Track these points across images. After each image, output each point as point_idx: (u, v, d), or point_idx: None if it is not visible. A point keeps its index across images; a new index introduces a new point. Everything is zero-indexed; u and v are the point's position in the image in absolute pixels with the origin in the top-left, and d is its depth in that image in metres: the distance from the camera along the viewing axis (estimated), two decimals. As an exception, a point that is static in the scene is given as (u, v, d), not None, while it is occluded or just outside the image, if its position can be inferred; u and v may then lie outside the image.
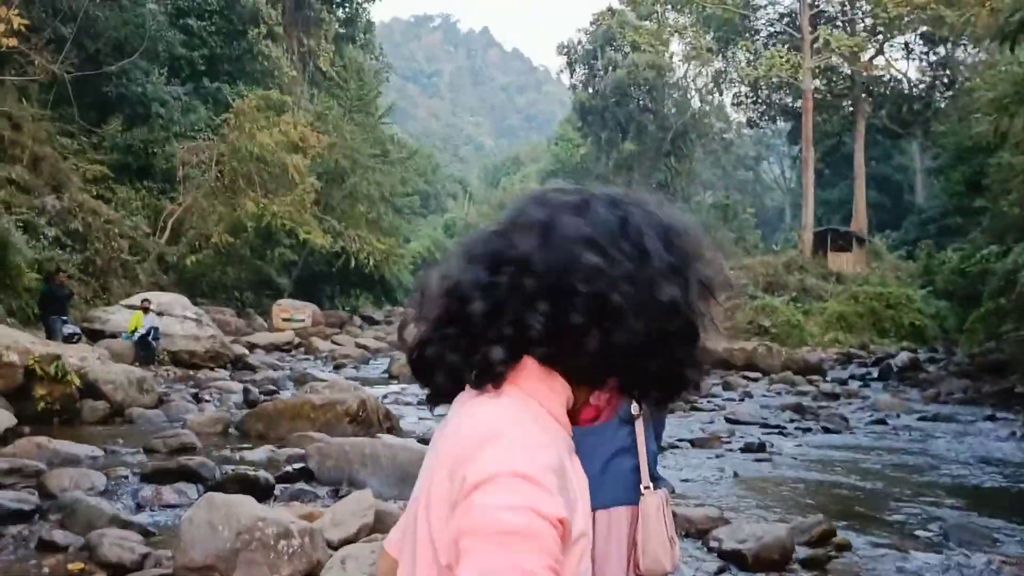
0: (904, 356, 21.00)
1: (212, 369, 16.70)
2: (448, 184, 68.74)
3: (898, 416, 13.84)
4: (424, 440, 9.09)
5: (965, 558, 5.86)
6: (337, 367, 19.31)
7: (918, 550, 6.08)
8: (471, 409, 1.01)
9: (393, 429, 9.94)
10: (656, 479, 2.74)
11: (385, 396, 12.96)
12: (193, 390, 13.52)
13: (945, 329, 26.27)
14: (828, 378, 19.55)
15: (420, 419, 11.56)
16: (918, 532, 6.56)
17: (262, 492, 6.60)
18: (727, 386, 17.21)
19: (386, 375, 17.70)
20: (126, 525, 5.68)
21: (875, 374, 20.11)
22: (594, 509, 2.57)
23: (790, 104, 44.69)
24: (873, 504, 7.59)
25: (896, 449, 10.88)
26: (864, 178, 40.55)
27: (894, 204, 48.06)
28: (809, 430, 12.26)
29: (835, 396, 16.28)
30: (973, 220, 29.62)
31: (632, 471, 2.71)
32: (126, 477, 7.28)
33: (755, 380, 18.64)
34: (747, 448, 10.25)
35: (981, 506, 7.45)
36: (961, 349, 21.03)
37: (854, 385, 18.54)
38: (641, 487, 2.67)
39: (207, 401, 12.64)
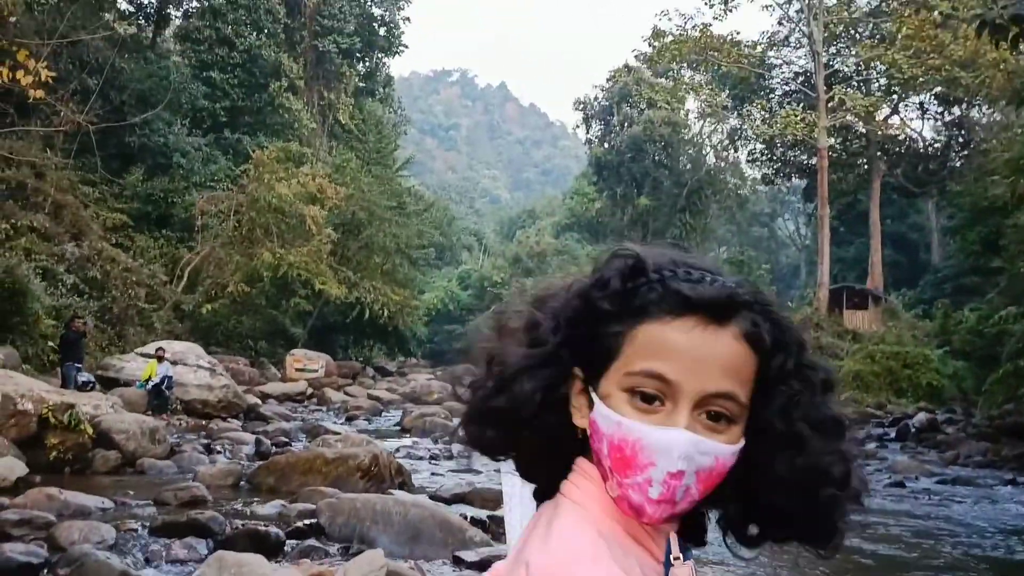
0: (922, 417, 20.75)
1: (224, 419, 16.68)
2: (463, 236, 69.02)
3: (916, 479, 13.63)
4: (436, 497, 9.02)
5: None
6: (349, 419, 19.24)
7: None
8: (556, 521, 0.94)
9: (405, 484, 9.85)
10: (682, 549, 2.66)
11: (397, 450, 12.89)
12: (205, 441, 13.50)
13: (963, 390, 26.00)
14: (845, 439, 19.29)
15: (432, 475, 11.49)
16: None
17: (272, 548, 6.54)
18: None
19: (398, 427, 17.62)
20: (135, 581, 5.64)
21: (892, 435, 19.85)
22: None
23: (805, 162, 44.82)
24: (892, 572, 7.44)
25: (915, 514, 10.69)
26: (880, 236, 40.51)
27: (910, 263, 47.92)
28: (826, 493, 12.07)
29: (852, 457, 16.05)
30: (990, 280, 29.46)
31: None
32: (136, 530, 7.23)
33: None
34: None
35: (1002, 574, 7.29)
36: (980, 411, 20.78)
37: (871, 446, 18.28)
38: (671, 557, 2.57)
39: (219, 452, 12.61)
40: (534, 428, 0.97)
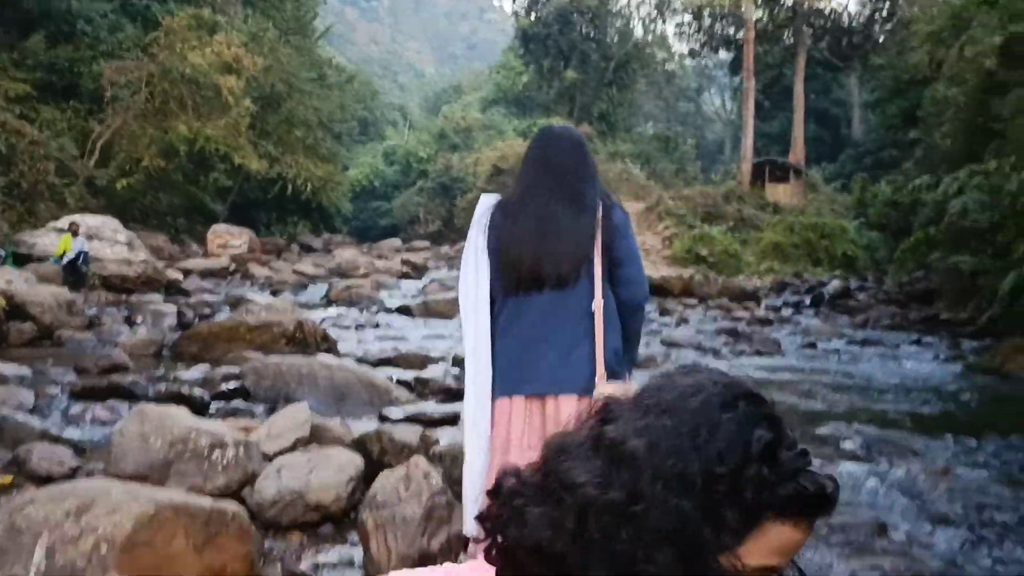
0: (836, 284, 21.50)
1: (145, 294, 16.37)
2: (388, 111, 67.51)
3: (828, 340, 14.20)
4: (362, 361, 9.06)
5: (887, 468, 6.07)
6: (274, 293, 19.05)
7: (843, 460, 6.28)
8: None
9: (331, 351, 9.86)
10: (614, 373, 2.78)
11: (323, 321, 12.85)
12: (125, 314, 13.26)
13: (877, 260, 26.88)
14: (762, 305, 19.94)
15: (359, 343, 11.53)
16: (844, 445, 6.76)
17: (196, 409, 6.49)
18: (664, 312, 17.46)
19: (325, 300, 17.55)
20: (56, 440, 5.58)
21: (808, 301, 20.53)
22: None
23: (732, 35, 44.64)
24: (801, 420, 7.79)
25: (825, 370, 11.17)
26: (803, 111, 40.89)
27: (832, 138, 48.67)
28: (743, 353, 12.52)
29: (769, 322, 16.61)
30: (908, 153, 30.14)
31: (589, 360, 2.73)
32: (55, 396, 7.14)
33: (691, 307, 18.92)
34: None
35: (904, 423, 7.70)
36: (891, 278, 21.56)
37: (787, 312, 18.92)
38: (596, 378, 2.71)
39: (140, 324, 12.42)
40: None
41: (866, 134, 45.34)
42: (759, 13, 39.97)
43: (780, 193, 36.86)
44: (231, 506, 2.80)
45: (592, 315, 2.73)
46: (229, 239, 26.20)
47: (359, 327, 13.14)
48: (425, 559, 3.59)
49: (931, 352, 13.09)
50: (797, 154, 39.87)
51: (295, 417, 5.37)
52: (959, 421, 7.87)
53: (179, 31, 26.35)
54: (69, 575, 2.42)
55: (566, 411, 2.63)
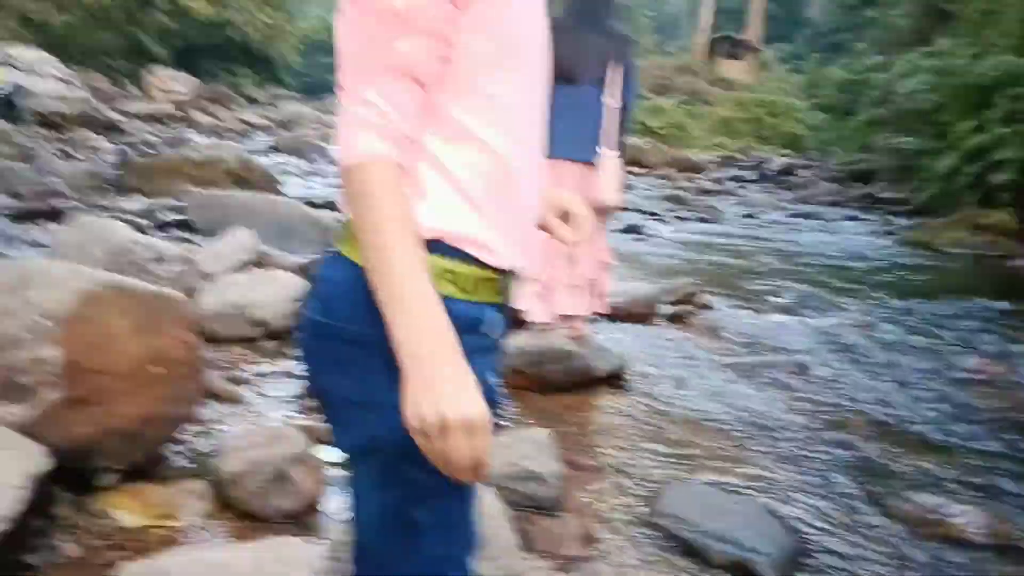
0: (781, 161, 21.71)
1: (83, 133, 15.88)
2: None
3: (768, 212, 14.48)
4: (308, 202, 9.01)
5: (815, 320, 6.34)
6: (219, 138, 18.63)
7: (772, 312, 6.54)
8: None
9: (277, 192, 9.77)
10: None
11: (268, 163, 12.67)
12: (63, 148, 12.90)
13: (824, 141, 27.05)
14: (708, 177, 20.11)
15: (306, 188, 11.44)
16: (776, 300, 7.02)
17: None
18: (611, 178, 17.50)
19: (271, 148, 17.23)
20: (-7, 256, 5.54)
21: (752, 176, 20.77)
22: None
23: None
24: (737, 277, 8.04)
25: (763, 238, 11.44)
26: (763, -13, 40.34)
27: (789, 17, 48.17)
28: (685, 219, 12.73)
29: (712, 192, 16.82)
30: (863, 35, 30.03)
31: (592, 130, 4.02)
32: (-9, 219, 7.02)
33: (638, 175, 19.01)
34: (625, 230, 10.59)
35: (833, 285, 7.98)
36: (837, 157, 21.81)
37: (731, 185, 19.14)
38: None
39: (80, 160, 12.11)
40: None
41: (824, 15, 44.93)
42: None
43: (734, 70, 36.67)
44: (174, 293, 2.85)
45: None
46: (172, 84, 25.34)
47: (306, 174, 13.01)
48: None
49: (866, 227, 13.46)
50: (754, 32, 39.51)
51: (240, 242, 5.39)
52: (885, 285, 8.18)
53: None
54: (7, 346, 2.45)
55: None
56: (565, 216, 1.33)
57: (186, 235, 7.06)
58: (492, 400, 1.04)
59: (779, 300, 6.98)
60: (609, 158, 4.12)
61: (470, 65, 1.01)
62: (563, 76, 3.69)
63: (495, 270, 1.07)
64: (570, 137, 3.94)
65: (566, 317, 4.42)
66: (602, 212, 4.18)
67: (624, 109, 4.22)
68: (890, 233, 12.81)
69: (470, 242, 1.04)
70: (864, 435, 3.91)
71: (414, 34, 0.96)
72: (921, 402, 4.50)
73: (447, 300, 0.98)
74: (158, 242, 4.83)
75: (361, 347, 1.03)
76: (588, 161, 4.12)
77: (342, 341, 1.05)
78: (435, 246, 1.02)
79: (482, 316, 1.06)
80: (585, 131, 4.10)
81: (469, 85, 1.02)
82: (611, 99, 4.17)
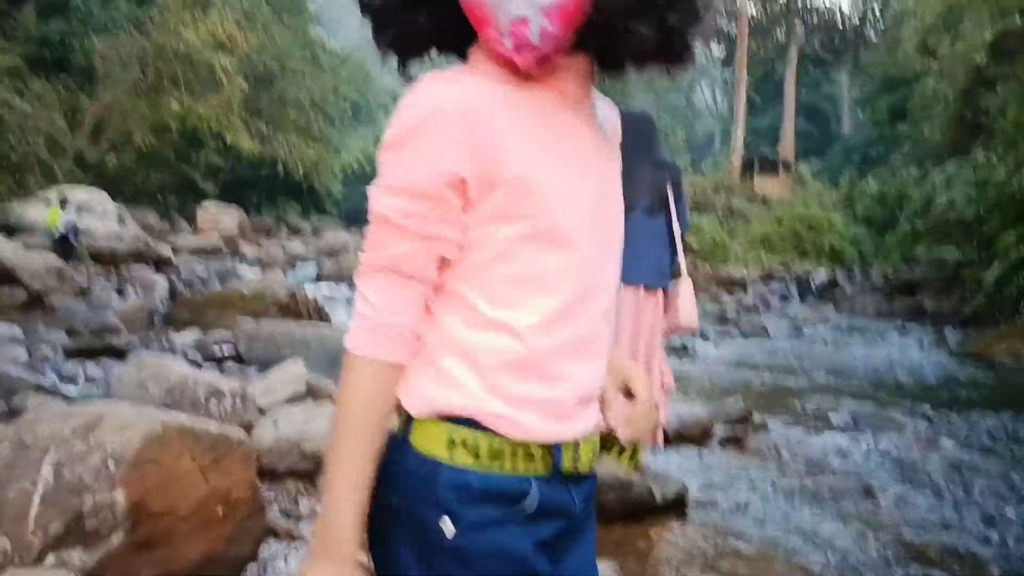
0: (823, 275, 21.62)
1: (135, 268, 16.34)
2: (380, 96, 67.19)
3: (815, 327, 14.33)
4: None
5: (874, 438, 6.18)
6: (266, 268, 19.07)
7: (830, 431, 6.39)
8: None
9: (324, 321, 9.90)
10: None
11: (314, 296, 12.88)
12: (116, 284, 13.26)
13: (863, 253, 26.98)
14: (749, 293, 20.03)
15: (349, 317, 11.54)
16: (831, 419, 6.86)
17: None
18: (653, 298, 17.51)
19: (315, 278, 17.57)
20: (50, 393, 5.61)
21: (794, 291, 20.66)
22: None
23: (725, 28, 44.64)
24: (789, 396, 7.90)
25: (812, 354, 11.28)
26: (794, 106, 40.99)
27: (821, 133, 48.75)
28: (730, 336, 12.63)
29: (756, 309, 16.73)
30: (896, 148, 30.29)
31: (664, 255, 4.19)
32: (48, 356, 7.16)
33: (680, 294, 18.99)
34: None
35: (889, 401, 7.80)
36: (876, 270, 21.70)
37: (774, 300, 19.04)
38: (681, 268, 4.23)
39: (134, 295, 12.42)
40: None
41: (855, 129, 45.52)
42: (753, 8, 40.07)
43: (769, 186, 36.93)
44: (236, 432, 2.85)
45: None
46: (219, 218, 26.14)
47: (350, 301, 13.17)
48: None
49: (915, 339, 13.23)
50: (786, 148, 39.98)
51: (292, 373, 5.42)
52: (943, 400, 7.98)
53: (173, 8, 26.23)
54: (76, 490, 2.46)
55: None
56: (626, 390, 1.29)
57: (239, 366, 7.13)
58: (524, 572, 1.06)
59: (837, 419, 6.82)
60: (684, 282, 4.26)
61: (491, 253, 1.04)
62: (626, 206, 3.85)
63: (528, 443, 1.07)
64: (646, 264, 4.10)
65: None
66: (674, 332, 4.42)
67: (681, 233, 4.35)
68: (941, 345, 12.58)
69: (489, 416, 1.05)
70: (941, 564, 3.74)
71: (407, 239, 1.03)
72: (992, 527, 4.32)
73: (462, 472, 1.03)
74: (213, 377, 4.87)
75: (387, 514, 1.07)
76: (664, 287, 4.26)
77: (377, 507, 1.08)
78: (458, 420, 1.05)
79: (509, 488, 1.06)
80: (660, 257, 4.22)
81: (490, 271, 1.05)
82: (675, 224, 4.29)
